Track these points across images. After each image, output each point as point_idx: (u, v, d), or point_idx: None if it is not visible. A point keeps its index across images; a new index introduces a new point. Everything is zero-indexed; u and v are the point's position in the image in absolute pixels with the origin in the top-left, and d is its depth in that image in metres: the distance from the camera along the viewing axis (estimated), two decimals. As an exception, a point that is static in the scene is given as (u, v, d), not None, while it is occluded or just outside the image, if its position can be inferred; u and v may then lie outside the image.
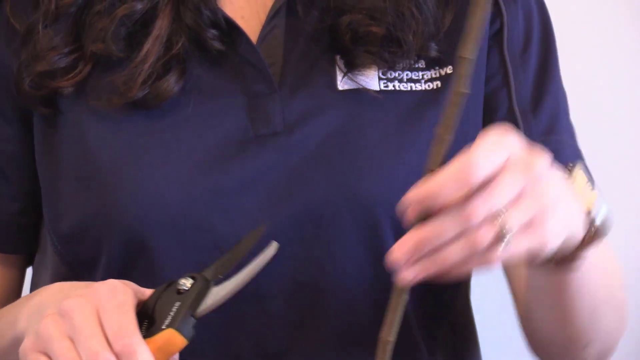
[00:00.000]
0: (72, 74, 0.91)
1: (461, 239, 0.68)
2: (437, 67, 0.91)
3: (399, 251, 0.69)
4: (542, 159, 0.72)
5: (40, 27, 0.90)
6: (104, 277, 0.87)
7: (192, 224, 0.87)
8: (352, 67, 0.88)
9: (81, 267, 0.90)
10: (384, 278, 0.84)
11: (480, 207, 0.67)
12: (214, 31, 0.88)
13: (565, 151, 0.94)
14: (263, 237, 0.80)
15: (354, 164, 0.87)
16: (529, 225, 0.70)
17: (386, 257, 0.69)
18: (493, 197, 0.68)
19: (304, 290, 0.86)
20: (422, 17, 0.89)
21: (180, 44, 0.88)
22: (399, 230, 0.83)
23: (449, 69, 0.90)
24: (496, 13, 0.94)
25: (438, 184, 0.67)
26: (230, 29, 0.89)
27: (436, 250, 0.69)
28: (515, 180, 0.69)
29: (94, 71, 0.91)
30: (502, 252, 0.69)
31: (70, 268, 0.91)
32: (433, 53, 0.90)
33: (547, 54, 0.97)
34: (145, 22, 0.89)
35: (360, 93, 0.89)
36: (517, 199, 0.69)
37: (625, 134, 1.46)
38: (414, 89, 0.90)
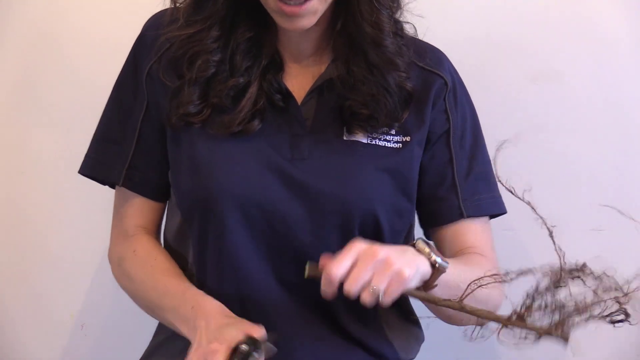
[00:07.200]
0: (199, 116, 1.28)
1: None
2: (401, 135, 1.31)
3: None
4: (380, 248, 1.09)
5: (185, 88, 1.26)
6: (196, 228, 1.28)
7: (250, 202, 1.25)
8: (349, 132, 1.28)
9: (185, 216, 1.29)
10: None
11: (351, 286, 1.09)
12: (279, 95, 1.29)
13: (496, 204, 1.38)
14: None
15: (346, 183, 1.29)
16: (391, 283, 1.09)
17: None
18: (356, 279, 1.08)
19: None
20: (389, 107, 1.28)
21: (261, 103, 1.27)
22: (365, 226, 1.30)
23: (407, 138, 1.32)
24: (447, 119, 1.35)
25: (327, 280, 1.09)
26: (288, 94, 1.30)
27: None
28: (365, 265, 1.09)
29: (212, 114, 1.27)
30: (384, 299, 1.09)
31: (181, 215, 1.31)
32: (395, 128, 1.31)
33: (476, 137, 1.38)
34: (244, 88, 1.28)
35: (355, 143, 1.29)
36: (375, 275, 1.08)
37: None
38: (387, 145, 1.31)
